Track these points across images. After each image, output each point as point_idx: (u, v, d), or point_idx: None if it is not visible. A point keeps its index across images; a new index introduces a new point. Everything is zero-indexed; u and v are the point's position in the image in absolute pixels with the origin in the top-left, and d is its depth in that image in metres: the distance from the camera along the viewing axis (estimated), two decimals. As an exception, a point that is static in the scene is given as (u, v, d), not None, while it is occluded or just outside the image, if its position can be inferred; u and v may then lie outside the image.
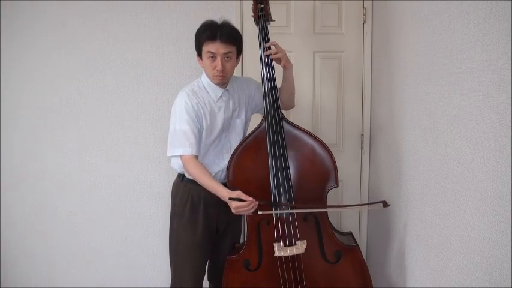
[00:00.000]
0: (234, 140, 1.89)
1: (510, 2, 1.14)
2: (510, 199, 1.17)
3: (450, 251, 1.51)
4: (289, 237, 1.78)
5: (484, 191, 1.30)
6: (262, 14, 1.84)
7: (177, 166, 1.90)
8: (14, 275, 2.41)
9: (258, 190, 1.79)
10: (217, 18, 1.79)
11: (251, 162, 1.82)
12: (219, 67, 1.72)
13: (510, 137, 1.16)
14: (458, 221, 1.45)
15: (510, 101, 1.16)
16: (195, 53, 1.83)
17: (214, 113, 1.83)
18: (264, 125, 1.81)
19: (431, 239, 1.66)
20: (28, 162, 2.34)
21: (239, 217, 1.96)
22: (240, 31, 2.27)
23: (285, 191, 1.78)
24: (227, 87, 1.86)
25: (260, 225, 1.83)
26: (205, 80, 1.84)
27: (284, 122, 1.82)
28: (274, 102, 1.80)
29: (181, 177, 1.91)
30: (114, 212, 2.40)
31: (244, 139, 1.83)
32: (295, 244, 1.78)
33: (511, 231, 1.17)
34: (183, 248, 1.88)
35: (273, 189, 1.78)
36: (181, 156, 1.77)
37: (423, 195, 1.73)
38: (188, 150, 1.74)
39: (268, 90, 1.80)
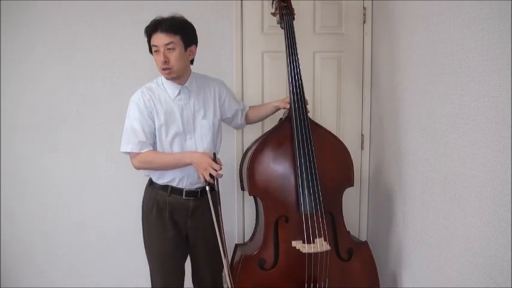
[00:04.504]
0: (200, 143, 1.77)
1: (510, 2, 1.14)
2: (510, 199, 1.17)
3: (450, 251, 1.51)
4: (313, 233, 1.74)
5: (484, 191, 1.30)
6: (286, 12, 1.79)
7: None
8: (14, 275, 2.41)
9: (279, 188, 1.77)
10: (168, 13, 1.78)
11: (272, 159, 1.79)
12: (161, 59, 1.64)
13: (510, 137, 1.16)
14: (458, 221, 1.45)
15: (510, 101, 1.16)
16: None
17: (171, 111, 1.73)
18: (285, 122, 1.81)
19: (431, 239, 1.66)
20: (28, 162, 2.34)
21: (210, 223, 1.67)
22: (240, 31, 2.28)
23: (309, 190, 1.75)
24: (185, 84, 1.76)
25: (278, 223, 1.78)
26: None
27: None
28: (301, 101, 1.80)
29: (149, 181, 1.86)
30: (114, 212, 2.40)
31: (261, 137, 1.80)
32: (315, 242, 1.74)
33: (511, 231, 1.17)
34: (154, 257, 1.82)
35: (299, 188, 1.75)
36: (129, 154, 1.73)
37: (423, 195, 1.73)
38: (136, 147, 1.69)
39: (295, 90, 1.81)
